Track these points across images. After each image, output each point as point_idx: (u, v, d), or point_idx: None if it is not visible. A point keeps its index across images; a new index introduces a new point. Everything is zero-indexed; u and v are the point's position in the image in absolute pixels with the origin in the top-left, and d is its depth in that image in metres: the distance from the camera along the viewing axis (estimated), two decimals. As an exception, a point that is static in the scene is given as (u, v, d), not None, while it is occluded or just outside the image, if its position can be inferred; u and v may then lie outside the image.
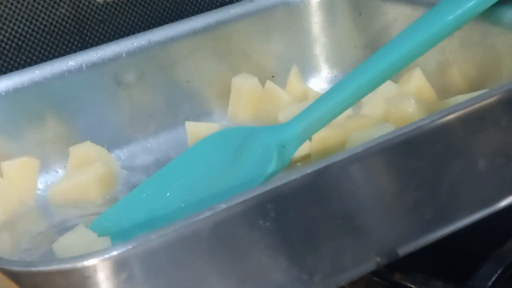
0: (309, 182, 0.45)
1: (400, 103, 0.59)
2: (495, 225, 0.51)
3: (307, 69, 0.68)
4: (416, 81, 0.61)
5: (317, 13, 0.68)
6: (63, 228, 0.53)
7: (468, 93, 0.58)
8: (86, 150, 0.59)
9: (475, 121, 0.50)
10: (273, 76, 0.66)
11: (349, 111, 0.59)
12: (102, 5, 0.67)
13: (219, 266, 0.43)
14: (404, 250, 0.48)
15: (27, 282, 0.39)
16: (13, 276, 0.39)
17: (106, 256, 0.40)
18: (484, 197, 0.51)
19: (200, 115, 0.64)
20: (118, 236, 0.50)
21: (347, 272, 0.46)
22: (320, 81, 0.68)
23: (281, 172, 0.53)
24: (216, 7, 0.68)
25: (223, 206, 0.42)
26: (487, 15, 0.58)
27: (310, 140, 0.57)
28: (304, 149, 0.57)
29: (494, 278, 0.47)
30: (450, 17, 0.56)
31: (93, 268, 0.40)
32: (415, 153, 0.48)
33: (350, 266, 0.46)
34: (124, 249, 0.40)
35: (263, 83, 0.64)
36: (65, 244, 0.50)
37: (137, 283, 0.41)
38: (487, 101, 0.50)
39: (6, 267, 0.39)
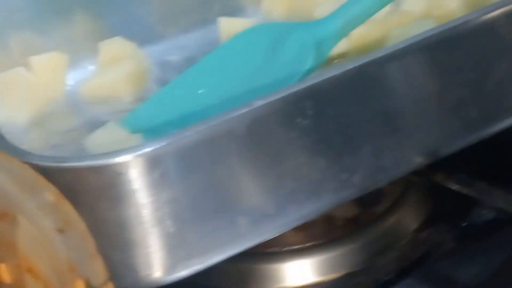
0: (348, 79, 0.43)
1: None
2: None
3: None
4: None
5: None
6: (94, 125, 0.52)
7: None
8: (116, 46, 0.57)
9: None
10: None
11: (388, 7, 0.56)
12: None
13: (255, 164, 0.41)
14: (447, 150, 0.46)
15: (58, 179, 0.38)
16: (44, 172, 0.38)
17: (139, 152, 0.39)
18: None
19: (233, 11, 0.62)
20: (150, 133, 0.49)
21: (388, 172, 0.45)
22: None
23: (319, 70, 0.51)
24: None
25: (260, 102, 0.40)
26: None
27: (348, 37, 0.55)
28: (342, 46, 0.55)
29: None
30: None
31: (126, 164, 0.39)
32: (458, 51, 0.46)
33: (390, 167, 0.45)
34: (157, 146, 0.39)
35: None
36: (96, 140, 0.49)
37: (171, 181, 0.40)
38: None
39: (37, 162, 0.38)
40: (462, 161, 0.47)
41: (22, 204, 0.35)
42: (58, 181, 0.38)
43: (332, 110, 0.43)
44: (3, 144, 0.41)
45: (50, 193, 0.36)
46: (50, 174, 0.38)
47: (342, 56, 0.56)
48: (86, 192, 0.39)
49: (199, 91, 0.51)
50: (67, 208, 0.36)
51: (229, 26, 0.59)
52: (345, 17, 0.53)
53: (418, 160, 0.46)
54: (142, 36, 0.59)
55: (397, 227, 0.51)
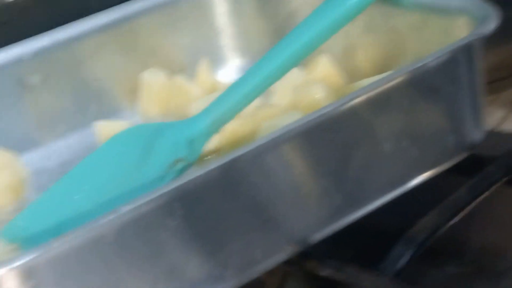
0: (214, 177, 0.44)
1: (307, 89, 0.59)
2: (405, 206, 0.52)
3: (216, 60, 0.67)
4: (323, 66, 0.61)
5: (223, 3, 0.67)
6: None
7: (374, 76, 0.58)
8: (-6, 157, 0.58)
9: (379, 103, 0.50)
10: (181, 70, 0.66)
11: (257, 101, 0.59)
12: (3, 5, 0.65)
13: (129, 268, 0.42)
14: (316, 237, 0.48)
15: None
16: None
17: (11, 265, 0.39)
18: (392, 179, 0.51)
19: (110, 114, 0.63)
20: (28, 243, 0.49)
21: (260, 264, 0.47)
22: (229, 72, 0.68)
23: (192, 167, 0.53)
24: (120, 2, 0.67)
25: (127, 207, 0.41)
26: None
27: (221, 132, 0.57)
28: (214, 142, 0.57)
29: (404, 259, 0.47)
30: (352, 1, 0.56)
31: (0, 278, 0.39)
32: (322, 140, 0.49)
33: (262, 258, 0.46)
34: (28, 258, 0.40)
35: (172, 77, 0.64)
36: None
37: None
38: (390, 84, 0.50)
39: None
40: (332, 247, 0.49)
41: None
42: None
43: (201, 208, 0.44)
44: None
45: None
46: None
47: (216, 151, 0.58)
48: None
49: (75, 197, 0.52)
50: None
51: (105, 129, 0.60)
52: (214, 113, 0.55)
53: (288, 249, 0.47)
54: (20, 144, 0.60)
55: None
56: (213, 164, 0.44)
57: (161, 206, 0.43)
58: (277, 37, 0.65)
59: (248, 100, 0.55)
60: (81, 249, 0.41)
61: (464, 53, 0.52)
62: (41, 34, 0.62)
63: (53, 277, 0.40)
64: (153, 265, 0.43)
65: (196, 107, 0.60)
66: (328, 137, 0.49)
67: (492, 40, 0.52)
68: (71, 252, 0.41)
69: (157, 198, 0.42)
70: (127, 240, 0.42)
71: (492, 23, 0.52)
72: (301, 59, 0.56)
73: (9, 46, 0.61)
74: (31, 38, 0.62)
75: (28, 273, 0.40)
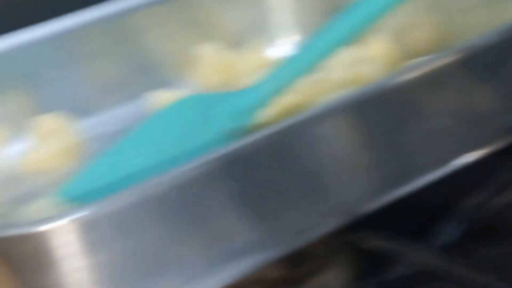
0: (269, 142, 0.45)
1: (363, 66, 0.59)
2: (455, 182, 0.52)
3: (270, 36, 0.68)
4: (380, 44, 0.62)
5: (279, -20, 0.68)
6: (30, 198, 0.54)
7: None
8: (51, 121, 0.59)
9: (434, 80, 0.50)
10: (236, 45, 0.66)
11: (313, 76, 0.59)
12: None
13: (184, 227, 0.43)
14: (364, 209, 0.49)
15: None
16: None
17: (71, 218, 0.40)
18: (442, 156, 0.51)
19: (165, 84, 0.64)
20: (84, 202, 0.50)
21: (308, 233, 0.47)
22: (283, 48, 0.68)
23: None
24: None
25: (187, 167, 0.42)
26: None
27: (274, 105, 0.58)
28: (268, 114, 0.57)
29: (456, 234, 0.47)
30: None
31: (56, 231, 0.40)
32: (375, 112, 0.49)
33: (311, 227, 0.47)
34: (88, 212, 0.41)
35: (226, 51, 0.65)
36: (31, 213, 0.51)
37: (103, 245, 0.41)
38: (446, 60, 0.51)
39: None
40: (382, 219, 0.50)
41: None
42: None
43: (255, 172, 0.45)
44: None
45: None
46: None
47: (270, 122, 0.58)
48: (20, 260, 0.40)
49: (132, 159, 0.53)
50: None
51: (161, 98, 0.61)
52: (269, 85, 0.55)
53: (338, 220, 0.48)
54: (76, 110, 0.61)
55: (326, 286, 0.53)
56: (268, 129, 0.45)
57: (217, 168, 0.44)
58: (332, 15, 0.66)
59: (302, 73, 0.56)
60: (138, 205, 0.42)
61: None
62: (102, 3, 0.63)
63: (112, 232, 0.41)
64: (206, 226, 0.44)
65: (248, 82, 0.61)
66: (380, 110, 0.49)
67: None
68: (130, 208, 0.41)
69: (214, 160, 0.43)
70: (183, 200, 0.43)
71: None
72: (357, 35, 0.57)
73: (69, 14, 0.62)
74: (88, 8, 0.63)
75: (88, 226, 0.41)
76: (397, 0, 0.56)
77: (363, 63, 0.59)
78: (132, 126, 0.59)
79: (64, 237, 0.40)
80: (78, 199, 0.51)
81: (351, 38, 0.57)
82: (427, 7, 0.61)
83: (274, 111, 0.58)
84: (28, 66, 0.60)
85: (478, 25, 0.57)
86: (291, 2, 0.68)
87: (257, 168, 0.45)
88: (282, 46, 0.68)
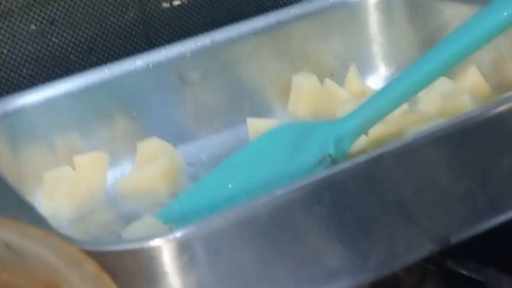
0: (362, 170, 0.47)
1: (455, 99, 0.60)
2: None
3: (365, 67, 0.69)
4: (471, 77, 0.62)
5: (375, 12, 0.69)
6: (131, 218, 0.56)
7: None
8: (153, 146, 0.62)
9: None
10: (331, 75, 0.68)
11: (405, 107, 0.60)
12: (168, 9, 0.70)
13: (276, 249, 0.45)
14: (456, 237, 0.49)
15: (97, 262, 0.42)
16: (88, 254, 0.42)
17: (170, 237, 0.43)
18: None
19: (261, 112, 0.66)
20: (182, 224, 0.53)
21: (400, 259, 0.48)
22: (377, 79, 0.69)
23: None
24: (276, 8, 0.70)
25: (280, 191, 0.44)
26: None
27: (367, 135, 0.59)
28: (361, 143, 0.59)
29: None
30: (505, 14, 0.57)
31: (158, 248, 0.42)
32: (467, 144, 0.50)
33: (403, 253, 0.48)
34: (186, 232, 0.43)
35: (322, 81, 0.67)
36: (133, 231, 0.53)
37: (199, 264, 0.43)
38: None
39: (79, 246, 0.42)
40: (471, 248, 0.50)
41: (66, 276, 0.39)
42: (101, 264, 0.42)
43: (348, 199, 0.46)
44: (50, 231, 0.45)
45: (91, 266, 0.40)
46: (91, 257, 0.42)
47: (362, 153, 0.60)
48: (124, 274, 0.43)
49: (229, 186, 0.55)
50: (106, 279, 0.40)
51: (257, 126, 0.63)
52: (362, 115, 0.57)
53: (429, 247, 0.49)
54: (177, 136, 0.64)
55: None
56: (362, 157, 0.46)
57: (311, 193, 0.45)
58: (426, 48, 0.66)
59: (395, 105, 0.57)
60: (235, 227, 0.44)
61: None
62: (201, 34, 0.66)
63: (206, 252, 0.43)
64: (298, 248, 0.45)
65: (343, 111, 0.62)
66: (473, 141, 0.50)
67: None
68: (224, 229, 0.44)
69: (307, 185, 0.45)
70: (277, 223, 0.44)
71: None
72: (449, 68, 0.58)
73: (173, 44, 0.65)
74: (192, 38, 0.66)
75: (183, 247, 0.43)
76: (490, 35, 0.57)
77: (454, 96, 0.60)
78: (230, 152, 0.61)
79: (161, 256, 0.43)
80: (175, 222, 0.53)
81: (444, 71, 0.58)
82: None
83: (367, 141, 0.59)
84: (131, 93, 0.63)
85: None
86: (388, 33, 0.69)
87: (349, 195, 0.46)
88: (377, 77, 0.70)
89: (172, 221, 0.54)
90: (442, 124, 0.50)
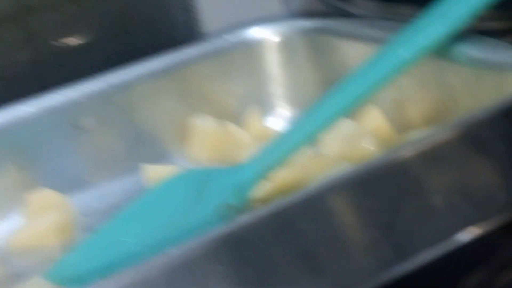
0: (264, 223, 0.45)
1: (357, 141, 0.59)
2: (457, 260, 0.51)
3: (266, 108, 0.68)
4: (373, 118, 0.62)
5: (276, 52, 0.68)
6: (19, 277, 0.53)
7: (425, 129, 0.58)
8: (44, 197, 0.59)
9: (429, 156, 0.50)
10: (232, 117, 0.66)
11: (307, 150, 0.59)
12: (62, 49, 0.67)
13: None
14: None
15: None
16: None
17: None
18: (441, 234, 0.51)
19: (160, 157, 0.64)
20: (74, 284, 0.50)
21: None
22: (279, 120, 0.68)
23: (240, 213, 0.53)
24: (174, 46, 0.68)
25: (176, 251, 0.41)
26: (442, 51, 0.58)
27: (270, 180, 0.57)
28: (265, 190, 0.57)
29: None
30: (405, 54, 0.57)
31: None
32: (371, 190, 0.49)
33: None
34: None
35: (223, 123, 0.65)
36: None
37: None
38: (441, 137, 0.50)
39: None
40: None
41: None
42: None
43: (249, 253, 0.44)
44: None
45: None
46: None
47: (265, 199, 0.58)
48: None
49: (124, 239, 0.53)
50: None
51: (153, 172, 0.61)
52: (263, 161, 0.55)
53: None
54: (71, 185, 0.61)
55: None
56: (262, 209, 0.44)
57: (210, 250, 0.43)
58: (328, 88, 0.65)
59: (296, 149, 0.56)
60: (129, 290, 0.41)
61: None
62: (95, 78, 0.63)
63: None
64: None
65: (245, 154, 0.60)
66: (377, 188, 0.49)
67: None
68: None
69: (206, 242, 0.42)
70: (175, 284, 0.42)
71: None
72: (351, 110, 0.57)
73: (65, 88, 0.62)
74: (86, 81, 0.63)
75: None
76: (391, 75, 0.56)
77: (358, 138, 0.59)
78: (127, 201, 0.59)
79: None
80: (67, 281, 0.50)
81: (347, 112, 0.57)
82: (421, 82, 0.61)
83: (270, 186, 0.58)
84: (21, 140, 0.60)
85: (472, 100, 0.57)
86: (287, 74, 0.68)
87: (251, 250, 0.44)
88: (279, 118, 0.68)
89: (63, 280, 0.51)
90: (346, 171, 0.48)
